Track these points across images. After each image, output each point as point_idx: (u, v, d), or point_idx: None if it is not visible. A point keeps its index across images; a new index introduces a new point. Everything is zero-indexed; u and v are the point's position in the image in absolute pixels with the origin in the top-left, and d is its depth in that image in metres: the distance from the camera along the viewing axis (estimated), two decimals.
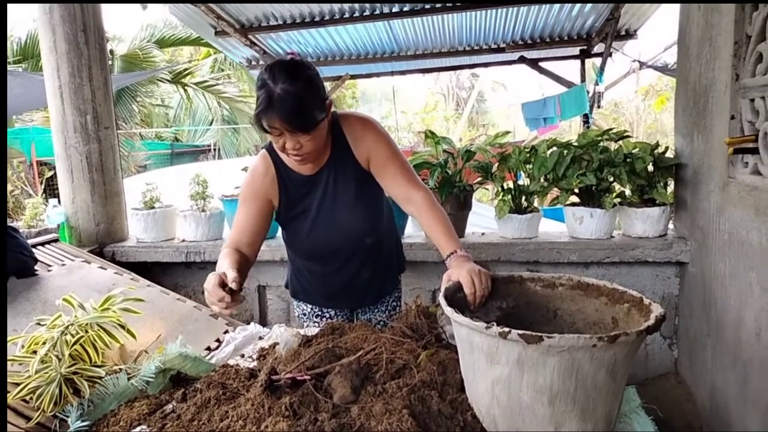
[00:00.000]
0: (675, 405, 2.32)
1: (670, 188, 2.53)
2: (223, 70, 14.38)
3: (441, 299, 1.21)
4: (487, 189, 6.59)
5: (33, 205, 2.82)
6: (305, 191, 1.77)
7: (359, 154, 1.74)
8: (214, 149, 14.11)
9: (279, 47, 5.57)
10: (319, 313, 2.05)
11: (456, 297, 1.32)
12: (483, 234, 2.76)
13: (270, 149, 1.76)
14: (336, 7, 4.52)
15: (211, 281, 1.44)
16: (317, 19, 4.74)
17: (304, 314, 2.07)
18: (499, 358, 1.05)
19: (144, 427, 1.23)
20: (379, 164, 1.74)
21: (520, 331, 0.99)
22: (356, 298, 2.02)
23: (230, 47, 5.53)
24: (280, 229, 2.82)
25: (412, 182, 1.75)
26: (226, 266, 1.52)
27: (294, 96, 1.46)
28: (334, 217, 1.77)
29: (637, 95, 15.34)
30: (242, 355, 1.65)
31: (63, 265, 2.11)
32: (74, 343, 1.38)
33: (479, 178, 2.72)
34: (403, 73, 6.82)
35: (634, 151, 2.46)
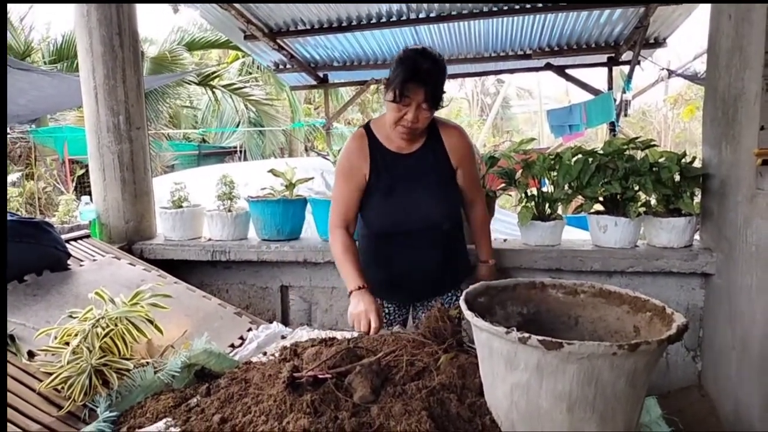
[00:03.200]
0: (698, 419, 2.29)
1: (697, 198, 2.50)
2: (251, 73, 14.58)
3: (462, 303, 1.22)
4: (511, 195, 6.55)
5: (66, 202, 2.90)
6: (393, 167, 1.94)
7: (451, 148, 1.99)
8: (241, 151, 14.29)
9: (306, 51, 5.63)
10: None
11: (476, 301, 1.33)
12: (505, 240, 2.76)
13: (367, 128, 1.99)
14: (363, 12, 4.56)
15: (376, 317, 1.73)
16: (344, 24, 4.79)
17: None
18: (519, 364, 1.06)
19: (169, 419, 1.27)
20: (464, 161, 2.02)
21: (540, 337, 1.00)
22: (416, 287, 2.08)
23: (259, 51, 5.61)
24: (303, 230, 2.85)
25: (479, 189, 2.15)
26: (358, 279, 1.86)
27: (437, 75, 1.78)
28: (415, 197, 1.94)
29: (665, 104, 15.09)
30: (265, 353, 1.68)
31: (94, 260, 2.17)
32: (104, 336, 1.43)
33: (503, 185, 2.71)
34: None
35: (660, 161, 2.43)
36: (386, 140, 1.96)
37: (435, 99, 1.80)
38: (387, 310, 2.11)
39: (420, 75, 1.74)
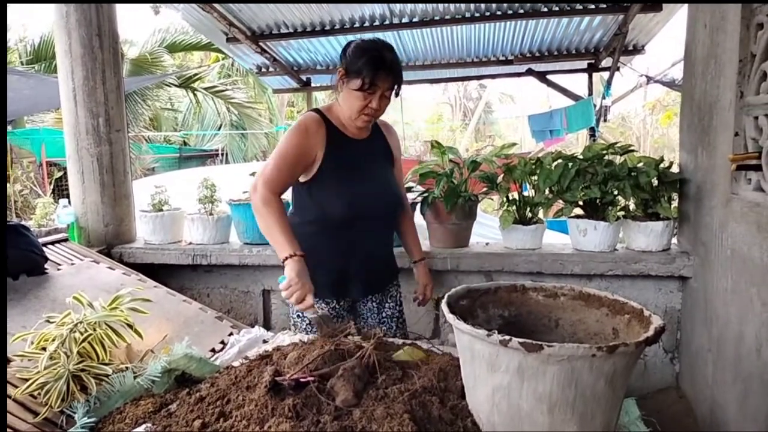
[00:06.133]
0: (675, 420, 2.32)
1: (674, 203, 2.55)
2: (230, 76, 14.50)
3: (444, 306, 1.23)
4: (492, 199, 6.61)
5: (43, 205, 2.85)
6: (353, 151, 1.99)
7: (391, 142, 2.15)
8: (222, 154, 14.19)
9: (289, 55, 5.62)
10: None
11: (458, 304, 1.33)
12: (487, 244, 2.78)
13: (321, 114, 1.99)
14: (347, 16, 4.57)
15: (309, 301, 1.75)
16: (327, 28, 4.79)
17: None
18: (500, 366, 1.07)
19: (149, 424, 1.25)
20: (398, 155, 2.19)
21: (521, 340, 1.01)
22: (369, 278, 2.09)
23: (241, 54, 5.58)
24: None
25: (404, 186, 2.29)
26: (296, 246, 1.81)
27: (399, 65, 1.91)
28: (375, 179, 2.03)
29: (644, 109, 15.34)
30: (246, 358, 1.67)
31: (72, 264, 2.14)
32: (83, 341, 1.40)
33: (484, 189, 2.74)
34: (410, 83, 6.86)
35: (638, 166, 2.48)
36: (341, 127, 1.99)
37: (399, 89, 1.94)
38: (336, 312, 2.06)
39: (387, 64, 1.85)
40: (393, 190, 2.10)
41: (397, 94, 1.96)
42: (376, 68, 1.82)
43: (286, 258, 1.77)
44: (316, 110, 2.00)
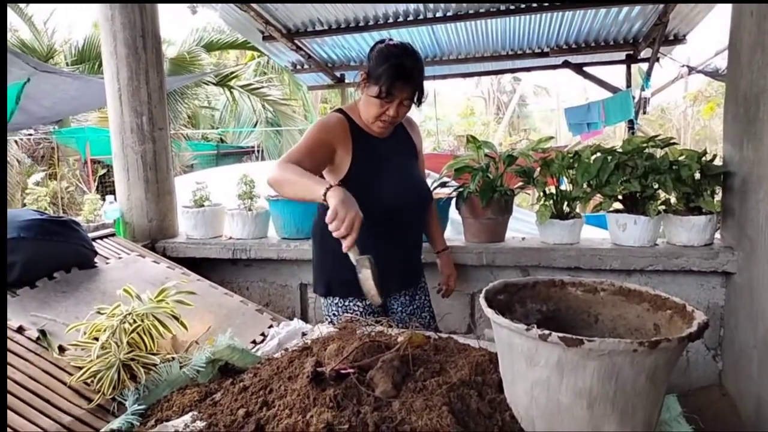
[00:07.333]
0: (718, 418, 2.27)
1: (718, 197, 2.48)
2: (265, 74, 14.70)
3: (482, 300, 1.23)
4: (528, 194, 6.53)
5: (91, 201, 2.97)
6: (380, 148, 2.00)
7: (414, 137, 2.18)
8: (258, 151, 14.40)
9: (323, 52, 5.67)
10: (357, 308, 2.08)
11: (496, 299, 1.34)
12: (523, 239, 2.76)
13: (345, 115, 1.99)
14: (380, 12, 4.58)
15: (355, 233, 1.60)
16: (361, 24, 4.81)
17: (348, 311, 2.07)
18: (539, 360, 1.07)
19: (195, 413, 1.30)
20: (421, 149, 2.23)
21: (561, 334, 1.01)
22: (407, 270, 2.13)
23: (277, 51, 5.66)
24: None
25: (426, 179, 2.29)
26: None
27: (421, 73, 1.88)
28: (405, 173, 2.06)
29: (685, 101, 14.89)
30: (286, 349, 1.70)
31: (120, 258, 2.22)
32: (132, 332, 1.46)
33: (520, 183, 2.72)
34: (444, 77, 6.83)
35: (680, 159, 2.42)
36: (365, 127, 1.99)
37: (421, 97, 1.90)
38: (370, 310, 2.05)
39: (407, 73, 1.82)
40: (422, 185, 2.14)
41: (419, 103, 1.92)
42: (395, 78, 1.80)
43: (327, 190, 1.60)
44: (339, 110, 2.02)
